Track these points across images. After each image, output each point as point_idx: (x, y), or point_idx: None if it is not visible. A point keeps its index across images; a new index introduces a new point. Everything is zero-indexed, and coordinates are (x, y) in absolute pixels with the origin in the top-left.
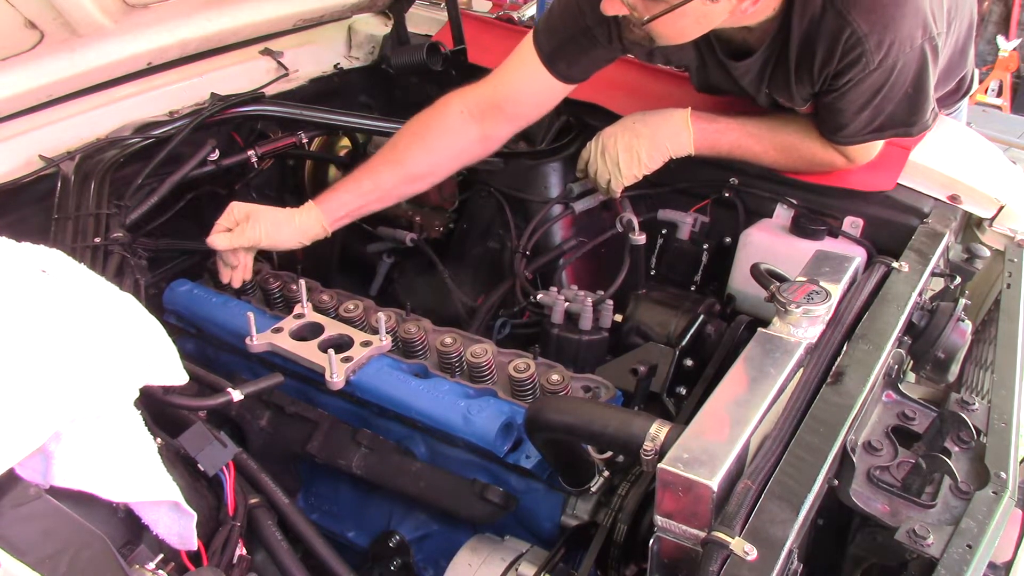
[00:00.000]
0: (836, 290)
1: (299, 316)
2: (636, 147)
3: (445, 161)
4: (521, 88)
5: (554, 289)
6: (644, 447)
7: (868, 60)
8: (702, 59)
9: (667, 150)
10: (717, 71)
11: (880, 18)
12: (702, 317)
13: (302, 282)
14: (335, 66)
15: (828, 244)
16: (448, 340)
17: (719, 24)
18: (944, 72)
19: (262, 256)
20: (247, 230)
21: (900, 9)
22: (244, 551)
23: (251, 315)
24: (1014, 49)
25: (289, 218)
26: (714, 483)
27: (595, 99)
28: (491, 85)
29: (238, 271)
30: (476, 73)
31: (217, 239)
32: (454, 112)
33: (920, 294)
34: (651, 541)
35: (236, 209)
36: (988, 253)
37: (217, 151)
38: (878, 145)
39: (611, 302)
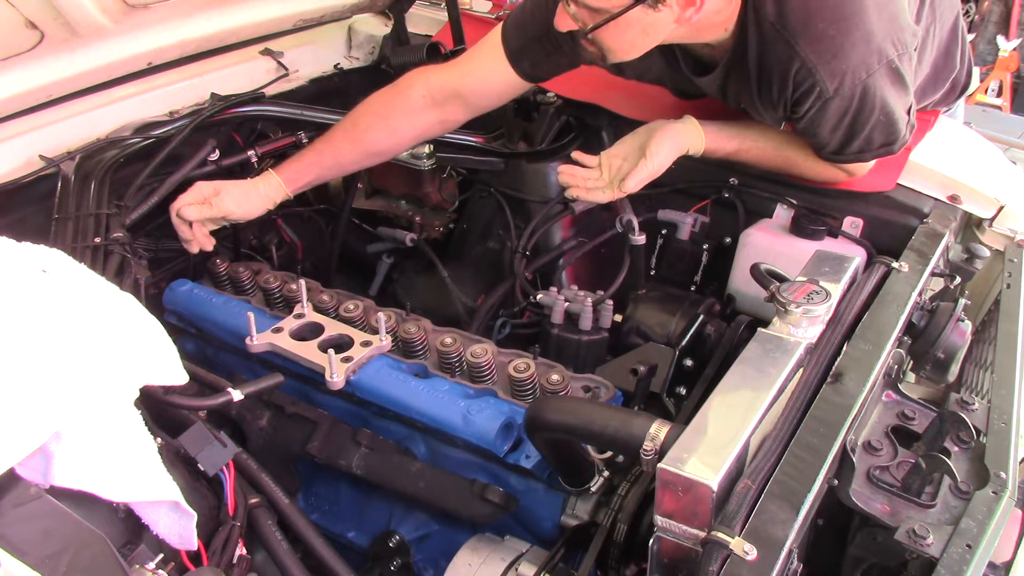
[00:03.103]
0: (836, 290)
1: (299, 316)
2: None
3: (404, 141)
4: (484, 80)
5: (554, 289)
6: (644, 447)
7: (822, 89)
8: (670, 75)
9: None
10: (685, 86)
11: (828, 47)
12: (702, 317)
13: (302, 282)
14: (335, 66)
15: (828, 244)
16: (448, 340)
17: (671, 38)
18: (930, 78)
19: (263, 256)
20: (216, 203)
21: (848, 38)
22: (244, 551)
23: (251, 315)
24: (1014, 49)
25: (254, 187)
26: (714, 483)
27: (595, 99)
28: (456, 72)
29: (200, 239)
30: None
31: (188, 210)
32: (416, 96)
33: (920, 294)
34: (651, 541)
35: (203, 187)
36: (988, 253)
37: (217, 151)
38: None
39: (611, 302)
